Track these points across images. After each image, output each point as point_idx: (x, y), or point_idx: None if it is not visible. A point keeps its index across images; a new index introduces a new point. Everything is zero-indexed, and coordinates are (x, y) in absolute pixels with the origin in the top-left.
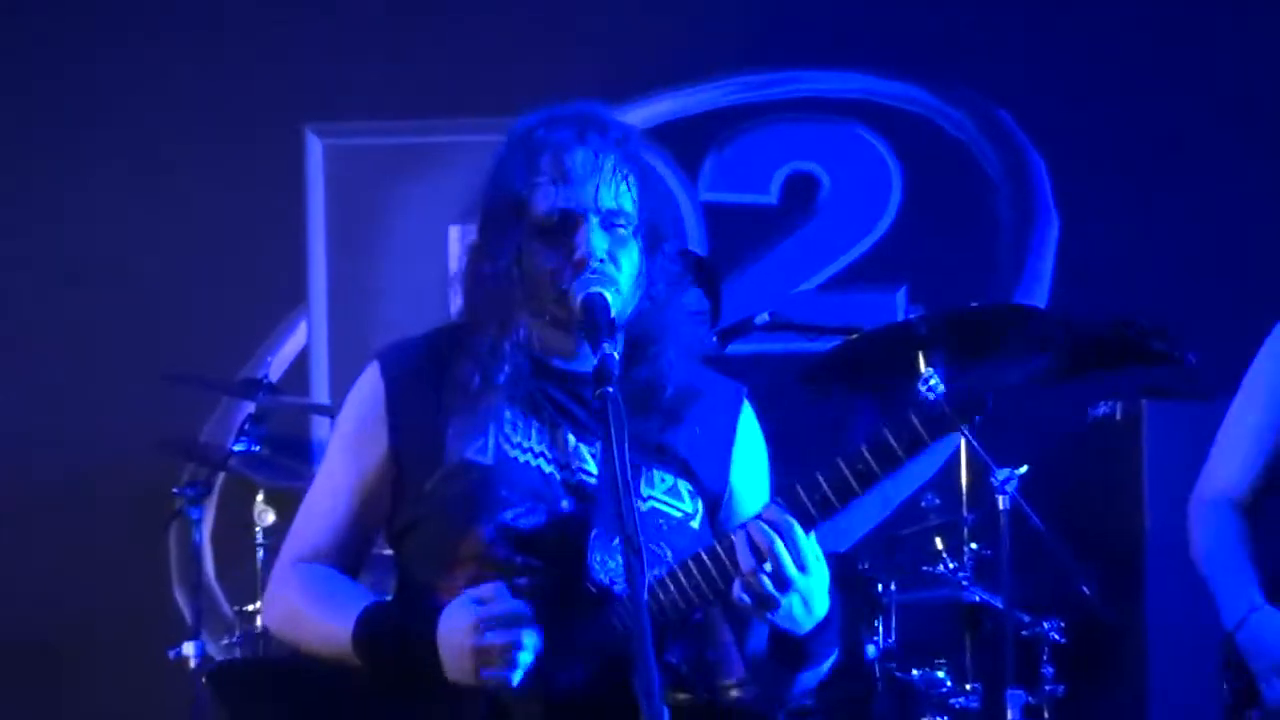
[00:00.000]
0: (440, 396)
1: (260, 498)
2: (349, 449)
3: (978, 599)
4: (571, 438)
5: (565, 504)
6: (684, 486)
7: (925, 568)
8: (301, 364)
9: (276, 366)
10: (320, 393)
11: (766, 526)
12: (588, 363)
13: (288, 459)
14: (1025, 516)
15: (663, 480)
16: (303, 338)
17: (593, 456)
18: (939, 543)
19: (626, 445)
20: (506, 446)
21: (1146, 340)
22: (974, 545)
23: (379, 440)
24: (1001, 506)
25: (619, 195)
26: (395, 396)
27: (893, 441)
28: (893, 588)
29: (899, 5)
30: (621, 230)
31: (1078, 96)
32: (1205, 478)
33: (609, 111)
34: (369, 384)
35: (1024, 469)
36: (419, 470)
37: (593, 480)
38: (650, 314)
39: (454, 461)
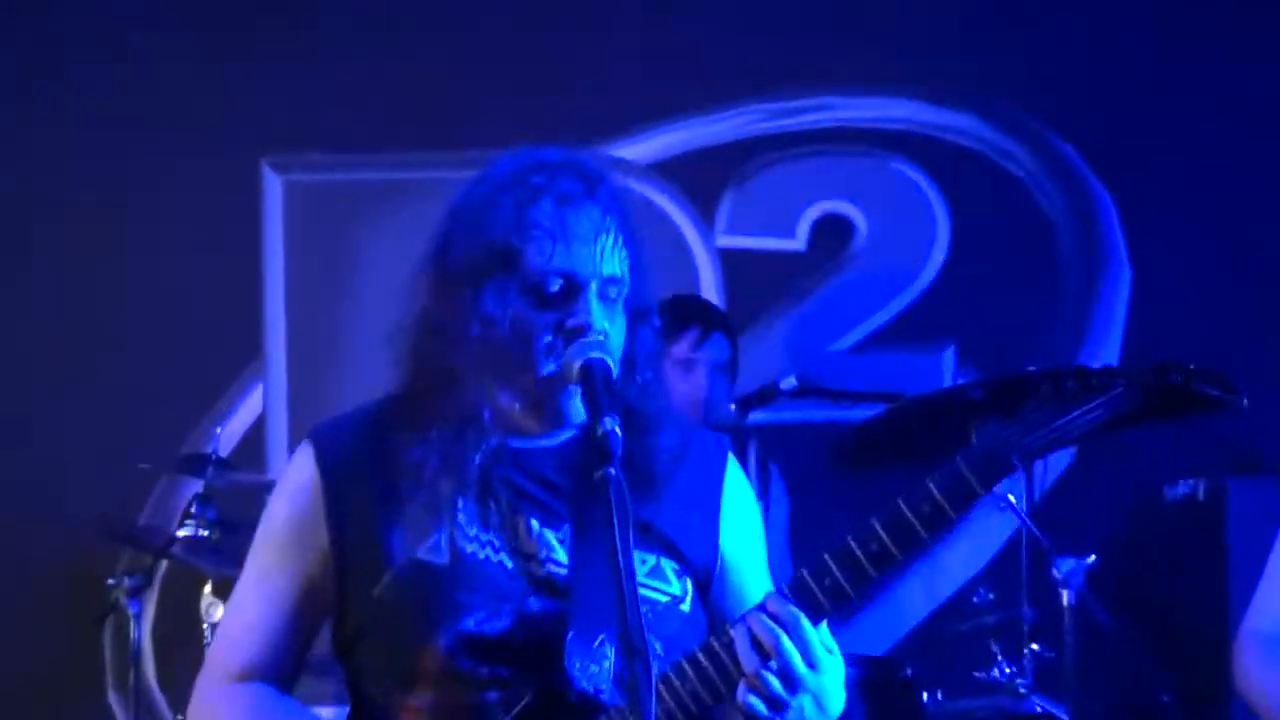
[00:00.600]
0: (384, 484)
1: (208, 589)
2: (281, 548)
3: (1039, 709)
4: (535, 523)
5: (533, 603)
6: (668, 566)
7: (978, 673)
8: (256, 434)
9: (227, 437)
10: (278, 467)
11: (769, 620)
12: (547, 435)
13: (240, 545)
14: (1093, 613)
15: (644, 561)
16: (258, 403)
17: (561, 543)
18: (994, 644)
19: (631, 537)
20: (462, 541)
21: (1193, 384)
22: (1034, 647)
23: (316, 537)
24: (1066, 602)
25: (620, 261)
26: (334, 486)
27: (909, 515)
28: (940, 696)
29: (947, 21)
30: (614, 300)
31: (1153, 128)
32: (1259, 610)
33: (599, 160)
34: (302, 471)
35: (1091, 558)
36: (364, 573)
37: (564, 571)
38: (635, 392)
39: (403, 562)
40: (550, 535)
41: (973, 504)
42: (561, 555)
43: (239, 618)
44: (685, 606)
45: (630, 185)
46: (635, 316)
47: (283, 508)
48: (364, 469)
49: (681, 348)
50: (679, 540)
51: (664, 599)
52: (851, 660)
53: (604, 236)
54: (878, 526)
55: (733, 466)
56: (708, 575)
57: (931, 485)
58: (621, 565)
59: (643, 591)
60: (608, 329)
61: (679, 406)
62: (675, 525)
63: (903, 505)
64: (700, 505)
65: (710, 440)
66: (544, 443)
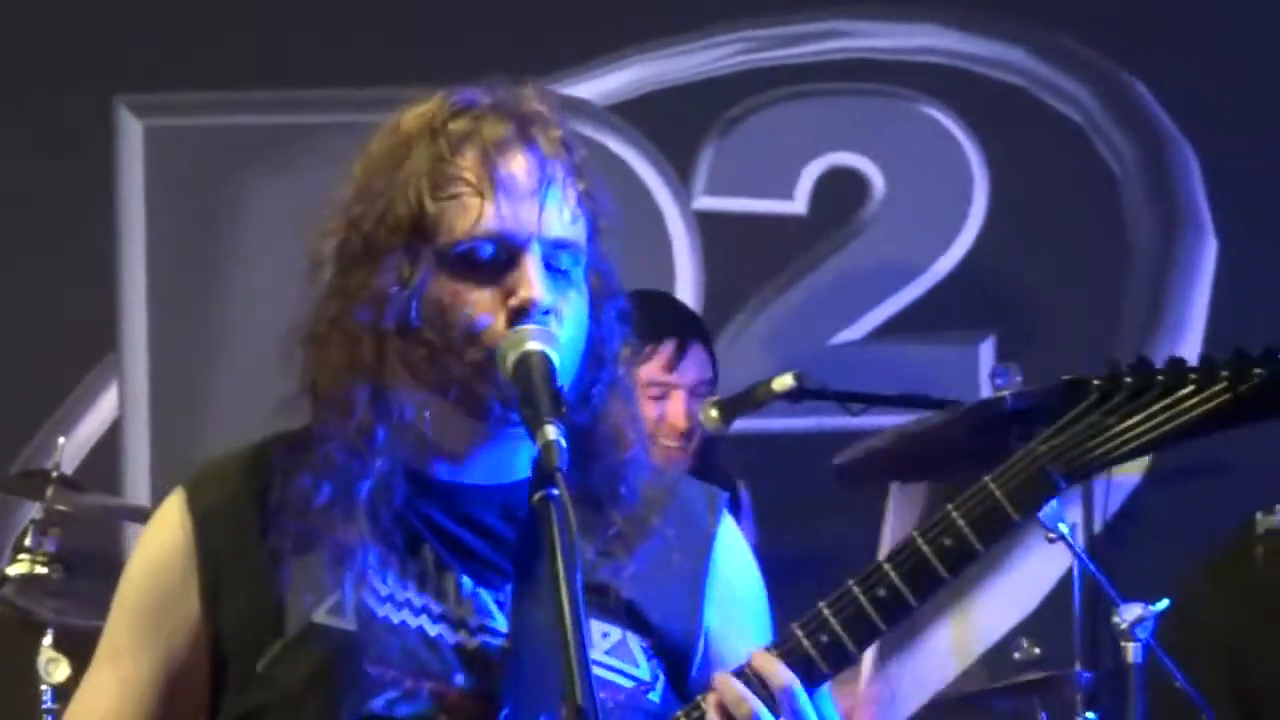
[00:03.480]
0: (272, 531)
1: (47, 642)
2: (140, 622)
3: None
4: (467, 581)
5: (460, 680)
6: (635, 642)
7: None
8: (109, 445)
9: (72, 450)
10: (136, 487)
11: (740, 686)
12: (486, 470)
13: (88, 586)
14: (1165, 673)
15: (605, 635)
16: (112, 407)
17: (500, 607)
18: (1039, 710)
19: (580, 573)
20: (372, 601)
21: None
22: (1090, 716)
23: (184, 608)
24: (1131, 659)
25: (571, 221)
26: (208, 539)
27: (926, 550)
28: None
29: None
30: (567, 272)
31: (1243, 64)
32: None
33: (546, 96)
34: (169, 523)
35: (1164, 603)
36: (247, 642)
37: (499, 641)
38: (594, 402)
39: (299, 628)
40: (487, 596)
41: (1003, 535)
42: (500, 622)
43: (86, 709)
44: (654, 695)
45: (581, 129)
46: (598, 295)
47: (143, 570)
48: (248, 515)
49: (651, 369)
50: (650, 612)
51: (628, 684)
52: None
53: (548, 190)
54: (887, 566)
55: (727, 529)
56: (685, 659)
57: (954, 512)
58: (566, 605)
59: (601, 674)
60: (560, 310)
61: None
62: (646, 593)
63: (918, 538)
64: (680, 569)
65: (699, 491)
66: (482, 480)
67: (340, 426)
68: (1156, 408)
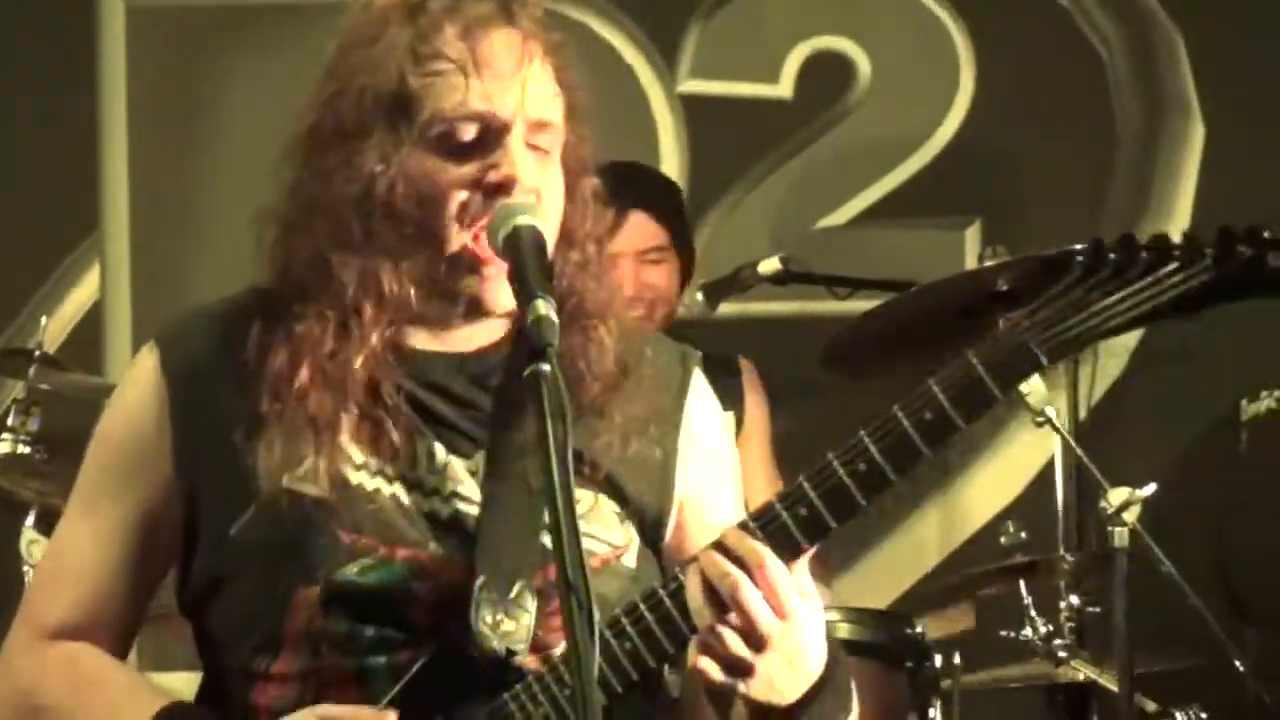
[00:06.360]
0: (247, 395)
1: (29, 522)
2: (114, 474)
3: (1081, 677)
4: (440, 450)
5: (434, 547)
6: (609, 508)
7: (1005, 632)
8: (91, 325)
9: (55, 329)
10: (118, 367)
11: (727, 561)
12: (459, 338)
13: (70, 465)
14: (1150, 557)
15: (578, 500)
16: (93, 286)
17: (472, 475)
18: (1025, 595)
19: (570, 449)
20: (346, 468)
21: (1273, 258)
22: (1075, 599)
23: (158, 462)
24: (1117, 543)
25: (550, 101)
26: (182, 397)
27: (907, 424)
28: (956, 660)
29: None
30: (546, 151)
31: None
32: None
33: None
34: (143, 378)
35: (1150, 488)
36: (219, 506)
37: (474, 509)
38: (572, 276)
39: (270, 492)
40: (458, 465)
41: (984, 410)
42: (471, 490)
43: (58, 561)
44: (629, 560)
45: (566, 12)
46: (573, 176)
47: (117, 424)
48: (222, 375)
49: None
50: (625, 481)
51: (603, 549)
52: (845, 614)
53: (527, 68)
54: (867, 440)
55: (698, 386)
56: (659, 523)
57: (935, 387)
58: (556, 478)
59: None
60: (542, 188)
61: None
62: (621, 462)
63: (899, 413)
64: (654, 436)
65: (671, 352)
66: (455, 348)
67: (323, 307)
68: (1140, 284)
